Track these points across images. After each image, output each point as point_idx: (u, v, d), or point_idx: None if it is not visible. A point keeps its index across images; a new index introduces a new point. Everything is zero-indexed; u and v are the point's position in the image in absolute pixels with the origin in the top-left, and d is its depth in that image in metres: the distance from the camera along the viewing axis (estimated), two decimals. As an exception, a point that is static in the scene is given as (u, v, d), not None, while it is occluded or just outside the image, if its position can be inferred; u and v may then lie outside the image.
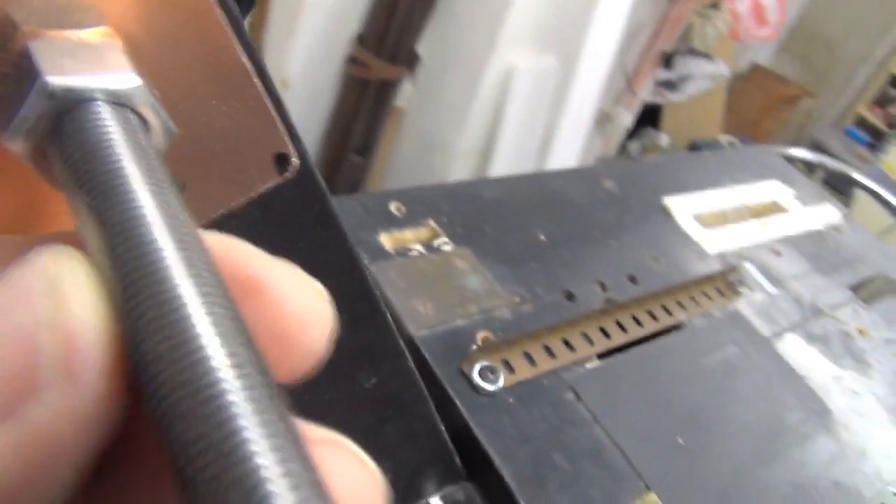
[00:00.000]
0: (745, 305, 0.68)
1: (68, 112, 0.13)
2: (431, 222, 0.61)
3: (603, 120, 2.29)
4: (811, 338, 0.68)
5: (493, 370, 0.52)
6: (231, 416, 0.09)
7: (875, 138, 2.99)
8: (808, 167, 1.81)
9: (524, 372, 0.54)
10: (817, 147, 2.93)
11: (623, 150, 2.58)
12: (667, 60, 2.43)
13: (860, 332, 0.71)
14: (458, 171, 1.75)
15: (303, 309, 0.13)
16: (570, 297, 0.61)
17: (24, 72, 0.13)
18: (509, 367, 0.54)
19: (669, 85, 2.57)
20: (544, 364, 0.55)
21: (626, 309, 0.62)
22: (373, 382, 0.35)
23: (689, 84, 2.60)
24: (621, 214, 0.73)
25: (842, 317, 0.72)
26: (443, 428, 0.43)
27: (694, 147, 2.76)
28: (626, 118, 2.34)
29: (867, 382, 0.65)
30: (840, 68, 3.11)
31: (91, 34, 0.14)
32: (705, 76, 2.60)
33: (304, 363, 0.13)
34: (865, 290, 0.77)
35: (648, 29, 2.20)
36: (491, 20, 1.57)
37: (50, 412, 0.10)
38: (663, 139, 2.54)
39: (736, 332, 0.65)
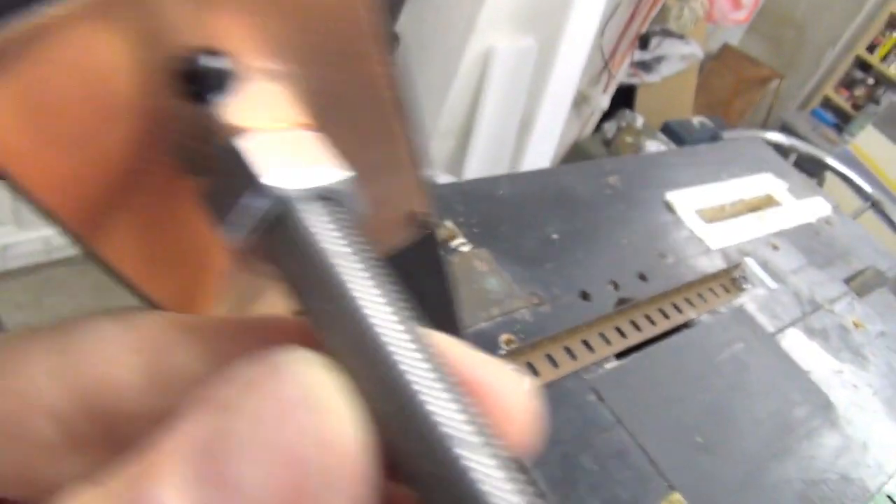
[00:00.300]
0: (748, 301, 0.70)
1: (285, 213, 0.12)
2: (449, 223, 0.61)
3: (580, 101, 2.30)
4: (811, 332, 0.70)
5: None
6: None
7: (841, 119, 3.07)
8: (781, 150, 1.85)
9: (547, 374, 0.54)
10: (785, 128, 2.99)
11: (598, 130, 2.59)
12: (643, 42, 2.44)
13: (856, 325, 0.73)
14: (438, 151, 1.74)
15: (517, 408, 0.13)
16: (585, 296, 0.62)
17: (235, 171, 0.12)
18: (533, 371, 0.54)
19: (644, 66, 2.58)
20: (566, 366, 0.56)
21: (640, 308, 0.63)
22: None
23: (663, 65, 2.63)
24: (627, 210, 0.74)
25: (838, 310, 0.74)
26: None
27: (667, 129, 2.79)
28: (604, 99, 2.35)
29: (865, 376, 0.68)
30: (808, 50, 3.17)
31: (286, 122, 0.13)
32: (679, 57, 2.62)
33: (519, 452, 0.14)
34: (857, 283, 0.79)
35: (626, 10, 2.20)
36: (470, 0, 1.56)
37: None
38: (638, 120, 2.56)
39: (742, 329, 0.66)
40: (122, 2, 0.10)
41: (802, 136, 2.92)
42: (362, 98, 0.14)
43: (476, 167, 1.72)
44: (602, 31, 2.10)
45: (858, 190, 1.82)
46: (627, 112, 2.67)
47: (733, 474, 0.54)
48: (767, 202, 0.86)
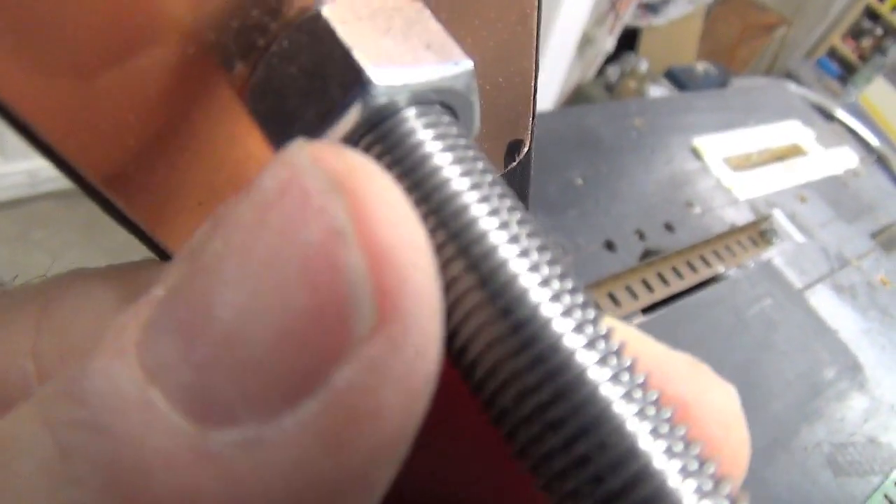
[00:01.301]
0: (776, 255, 0.66)
1: (386, 120, 0.08)
2: (467, 164, 0.56)
3: (584, 43, 2.22)
4: (839, 289, 0.67)
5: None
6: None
7: (845, 71, 3.00)
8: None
9: (573, 329, 0.51)
10: (790, 76, 2.93)
11: (601, 74, 2.52)
12: (651, -19, 2.35)
13: (883, 282, 0.70)
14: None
15: (726, 420, 0.12)
16: (610, 246, 0.58)
17: (322, 54, 0.08)
18: (558, 325, 0.51)
19: (651, 7, 2.50)
20: (592, 320, 0.52)
21: (667, 261, 0.59)
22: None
23: (670, 6, 2.54)
24: (652, 155, 0.69)
25: (866, 267, 0.71)
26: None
27: (670, 74, 2.73)
28: (608, 42, 2.27)
29: (893, 336, 0.65)
30: (817, -4, 3.08)
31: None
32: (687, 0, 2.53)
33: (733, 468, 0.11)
34: (884, 237, 0.76)
35: (636, -53, 2.11)
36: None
37: (373, 376, 0.06)
38: (643, 64, 2.48)
39: (771, 285, 0.63)
40: None
41: (807, 85, 2.85)
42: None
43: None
44: (610, -31, 2.01)
45: (865, 144, 1.78)
46: (631, 56, 2.59)
47: (763, 437, 0.51)
48: (794, 151, 0.81)
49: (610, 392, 0.08)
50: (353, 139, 0.08)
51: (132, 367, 0.06)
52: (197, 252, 0.06)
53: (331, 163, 0.06)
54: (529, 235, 0.08)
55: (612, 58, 2.52)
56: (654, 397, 0.08)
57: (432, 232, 0.08)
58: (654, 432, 0.08)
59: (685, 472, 0.08)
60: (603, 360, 0.08)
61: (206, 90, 0.09)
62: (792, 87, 1.95)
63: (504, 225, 0.08)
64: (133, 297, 0.08)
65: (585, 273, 0.54)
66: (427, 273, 0.07)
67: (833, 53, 3.12)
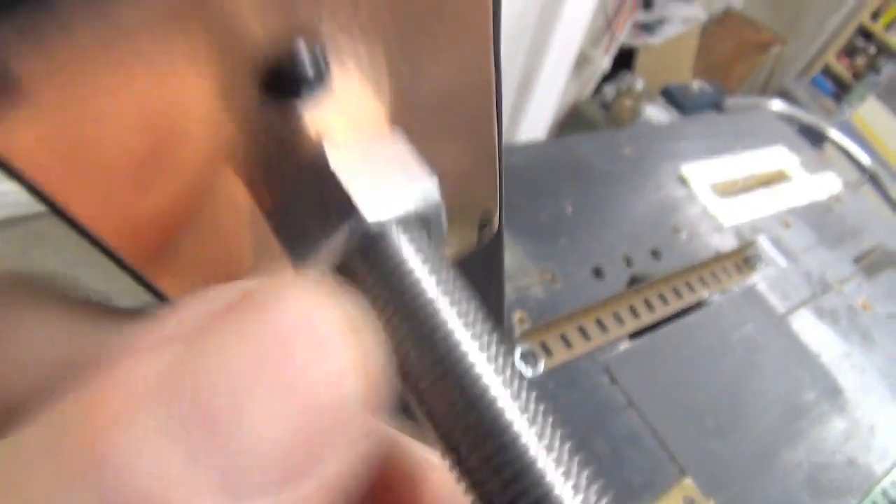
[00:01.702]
0: (760, 280, 0.69)
1: (377, 238, 0.10)
2: (461, 194, 0.58)
3: (580, 62, 2.25)
4: (821, 313, 0.69)
5: (533, 355, 0.51)
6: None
7: (840, 89, 3.04)
8: (783, 120, 1.83)
9: (561, 355, 0.53)
10: (784, 94, 2.96)
11: (598, 93, 2.55)
12: (646, 2, 2.39)
13: (864, 306, 0.72)
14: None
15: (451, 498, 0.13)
16: (598, 273, 0.60)
17: (325, 192, 0.10)
18: (547, 351, 0.53)
19: (647, 27, 2.53)
20: (579, 346, 0.54)
21: (653, 287, 0.61)
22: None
23: (665, 26, 2.57)
24: (641, 182, 0.72)
25: (847, 291, 0.73)
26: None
27: (666, 92, 2.76)
28: (604, 61, 2.30)
29: (873, 359, 0.67)
30: (811, 15, 3.12)
31: (372, 121, 0.11)
32: (682, 19, 2.57)
33: None
34: (866, 262, 0.78)
35: (632, -32, 2.14)
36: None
37: (345, 467, 0.08)
38: (639, 83, 2.52)
39: (754, 310, 0.65)
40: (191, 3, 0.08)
41: (801, 103, 2.89)
42: (457, 87, 0.12)
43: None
44: (606, -10, 2.04)
45: (857, 163, 1.81)
46: (627, 74, 2.62)
47: (744, 458, 0.53)
48: (779, 177, 0.84)
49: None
50: (347, 252, 0.10)
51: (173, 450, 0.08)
52: (210, 357, 0.08)
53: (336, 311, 0.08)
54: (486, 332, 0.11)
55: (609, 76, 2.55)
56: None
57: (403, 334, 0.10)
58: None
59: None
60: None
61: (232, 198, 0.11)
62: (784, 106, 1.98)
63: (467, 325, 0.10)
64: (89, 340, 0.10)
65: (574, 300, 0.56)
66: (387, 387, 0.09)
67: (827, 71, 3.16)
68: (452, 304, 0.11)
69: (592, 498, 0.10)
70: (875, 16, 3.00)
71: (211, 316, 0.08)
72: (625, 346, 0.56)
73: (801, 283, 0.71)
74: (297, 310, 0.08)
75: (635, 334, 0.58)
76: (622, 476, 0.48)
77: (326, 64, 0.09)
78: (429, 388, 0.10)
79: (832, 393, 0.62)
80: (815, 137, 2.06)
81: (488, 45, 0.12)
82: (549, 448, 0.10)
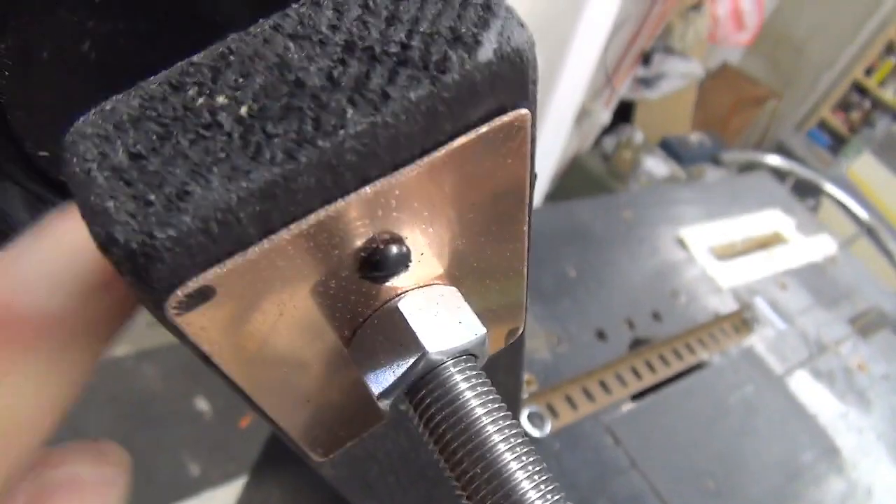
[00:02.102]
0: (758, 342, 0.71)
1: (435, 369, 0.13)
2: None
3: (581, 116, 2.31)
4: (818, 374, 0.71)
5: (540, 416, 0.53)
6: None
7: (836, 141, 3.11)
8: (779, 174, 1.88)
9: (567, 416, 0.55)
10: (781, 148, 3.02)
11: (598, 145, 2.60)
12: (645, 58, 2.46)
13: (860, 367, 0.75)
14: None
15: None
16: (601, 336, 0.63)
17: (397, 332, 0.13)
18: (553, 412, 0.55)
19: (645, 82, 2.60)
20: (584, 408, 0.57)
21: (654, 349, 0.64)
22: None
23: (664, 82, 2.64)
24: (641, 246, 0.75)
25: (844, 352, 0.76)
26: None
27: (665, 144, 2.81)
28: (605, 115, 2.37)
29: (869, 420, 0.69)
30: (806, 71, 3.21)
31: (431, 278, 0.14)
32: (680, 75, 2.64)
33: None
34: (861, 324, 0.81)
35: (630, 27, 2.22)
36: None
37: None
38: (638, 136, 2.57)
39: (752, 371, 0.67)
40: (327, 224, 0.11)
41: (798, 156, 2.95)
42: (499, 251, 0.15)
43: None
44: (606, 47, 2.11)
45: (854, 217, 1.85)
46: (627, 127, 2.68)
47: (744, 520, 0.55)
48: (775, 239, 0.87)
49: None
50: (416, 383, 0.14)
51: None
52: None
53: None
54: (526, 454, 0.14)
55: (609, 129, 2.61)
56: None
57: (463, 452, 0.13)
58: None
59: None
60: None
61: (330, 345, 0.14)
62: (781, 161, 2.02)
63: (510, 449, 0.13)
64: None
65: (579, 363, 0.59)
66: None
67: (823, 125, 3.23)
68: (493, 422, 0.14)
69: None
70: (869, 72, 3.08)
71: None
72: (627, 406, 0.59)
73: (797, 345, 0.74)
74: None
75: (638, 395, 0.60)
76: (626, 537, 0.50)
77: (408, 257, 0.13)
78: (474, 488, 0.13)
79: (829, 453, 0.64)
80: (811, 191, 2.10)
81: (523, 227, 0.15)
82: None
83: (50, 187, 0.19)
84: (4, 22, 0.15)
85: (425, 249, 0.13)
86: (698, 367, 0.65)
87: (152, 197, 0.10)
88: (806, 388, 0.69)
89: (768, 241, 0.86)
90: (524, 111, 0.12)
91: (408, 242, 0.13)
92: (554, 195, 2.23)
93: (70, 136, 0.10)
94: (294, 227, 0.11)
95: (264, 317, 0.12)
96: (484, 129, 0.11)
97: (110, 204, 0.10)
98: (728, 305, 0.73)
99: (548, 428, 0.53)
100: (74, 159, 0.10)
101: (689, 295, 0.72)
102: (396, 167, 0.11)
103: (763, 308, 0.75)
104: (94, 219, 0.10)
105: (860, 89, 3.16)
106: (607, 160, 2.42)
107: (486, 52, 0.10)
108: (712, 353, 0.67)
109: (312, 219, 0.11)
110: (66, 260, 0.12)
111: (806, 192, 2.30)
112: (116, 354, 1.53)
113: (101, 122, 0.10)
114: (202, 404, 1.43)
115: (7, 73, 0.16)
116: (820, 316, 0.79)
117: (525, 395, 0.54)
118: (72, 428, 0.13)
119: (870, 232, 1.92)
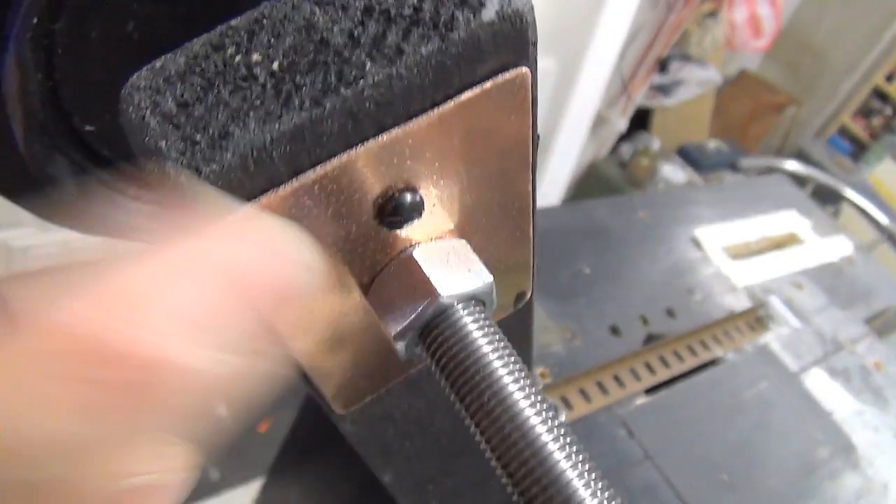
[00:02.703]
0: (773, 340, 0.71)
1: (448, 313, 0.15)
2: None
3: (598, 123, 2.32)
4: (834, 372, 0.71)
5: (555, 408, 0.54)
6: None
7: (857, 148, 3.08)
8: (798, 180, 1.87)
9: (581, 408, 0.56)
10: (801, 154, 3.00)
11: (615, 153, 2.61)
12: (662, 65, 2.46)
13: (877, 366, 0.75)
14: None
15: None
16: (615, 331, 0.64)
17: (411, 278, 0.15)
18: (567, 404, 0.56)
19: (662, 89, 2.60)
20: (598, 400, 0.57)
21: (668, 345, 0.65)
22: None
23: (681, 89, 2.64)
24: (656, 246, 0.76)
25: (860, 350, 0.76)
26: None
27: (682, 152, 2.80)
28: (621, 122, 2.37)
29: (885, 418, 0.69)
30: (826, 77, 3.18)
31: (442, 231, 0.16)
32: (697, 82, 2.64)
33: None
34: (878, 323, 0.81)
35: (647, 34, 2.23)
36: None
37: None
38: (655, 143, 2.57)
39: (767, 368, 0.68)
40: (348, 168, 0.12)
41: (818, 163, 2.92)
42: (505, 208, 0.17)
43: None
44: (623, 55, 2.12)
45: (875, 223, 1.83)
46: (644, 134, 2.68)
47: (758, 513, 0.55)
48: (791, 240, 0.87)
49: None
50: (427, 324, 0.15)
51: None
52: None
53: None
54: (531, 385, 0.15)
55: (625, 136, 2.61)
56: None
57: (475, 386, 0.14)
58: None
59: None
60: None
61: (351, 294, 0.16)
62: (799, 167, 2.01)
63: (516, 382, 0.14)
64: None
65: (592, 357, 0.60)
66: None
67: (844, 132, 3.20)
68: (499, 358, 0.15)
69: None
70: (890, 78, 3.05)
71: None
72: (641, 400, 0.59)
73: (813, 343, 0.74)
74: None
75: (651, 389, 0.61)
76: (640, 527, 0.51)
77: (422, 205, 0.14)
78: (485, 421, 0.14)
79: (845, 450, 0.64)
80: (831, 197, 2.09)
81: (528, 185, 0.16)
82: (588, 485, 0.14)
83: (94, 159, 0.21)
84: (62, 4, 0.16)
85: (437, 201, 0.15)
86: (712, 363, 0.66)
87: (198, 137, 0.11)
88: (821, 385, 0.69)
89: (784, 242, 0.87)
90: (524, 69, 0.13)
91: (421, 192, 0.14)
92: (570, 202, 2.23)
93: (126, 89, 0.12)
94: (319, 169, 0.12)
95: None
96: (488, 84, 0.13)
97: (162, 144, 0.11)
98: (743, 304, 0.73)
99: (562, 419, 0.54)
100: (130, 108, 0.12)
101: (703, 293, 0.72)
102: (410, 117, 0.12)
103: (778, 307, 0.75)
104: (149, 157, 0.11)
105: (881, 95, 3.13)
106: (624, 167, 2.42)
107: (489, 13, 0.12)
108: (727, 350, 0.67)
109: (336, 161, 0.12)
110: None
111: (826, 198, 2.28)
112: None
113: (153, 77, 0.12)
114: (221, 408, 1.45)
115: (61, 51, 0.17)
116: (836, 315, 0.79)
117: (540, 385, 0.55)
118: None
119: (891, 238, 1.90)
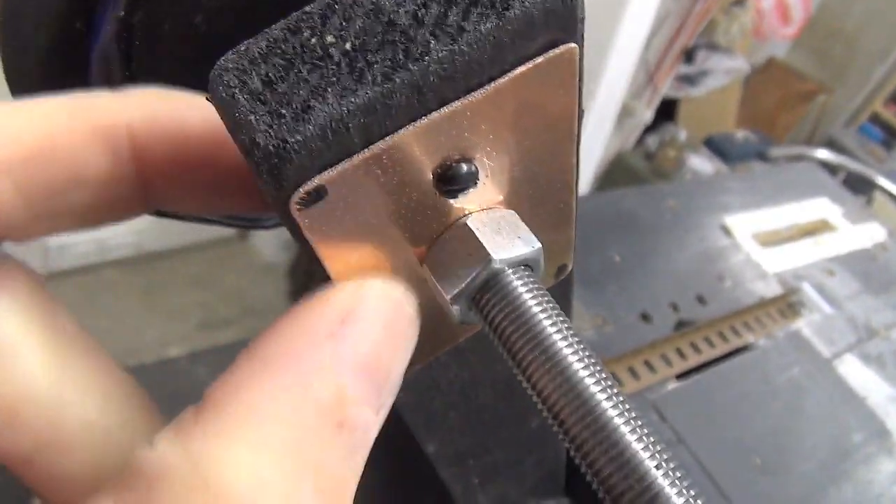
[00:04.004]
0: (805, 326, 0.71)
1: (500, 277, 0.16)
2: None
3: (623, 114, 2.31)
4: (867, 359, 0.71)
5: (601, 364, 0.55)
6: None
7: (890, 136, 3.02)
8: (829, 169, 1.84)
9: (612, 393, 0.57)
10: (832, 143, 2.95)
11: (641, 144, 2.59)
12: (688, 55, 2.44)
13: (911, 352, 0.74)
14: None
15: None
16: (646, 318, 0.64)
17: (466, 244, 0.16)
18: (599, 389, 0.57)
19: (689, 79, 2.58)
20: (630, 385, 0.58)
21: (699, 331, 0.65)
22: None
23: (708, 78, 2.61)
24: (685, 234, 0.76)
25: (894, 336, 0.75)
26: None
27: (710, 142, 2.77)
28: (647, 113, 2.35)
29: (921, 403, 0.69)
30: (857, 65, 3.12)
31: (494, 202, 0.17)
32: (724, 71, 2.61)
33: None
34: (913, 310, 0.80)
35: (672, 24, 2.21)
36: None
37: None
38: (681, 134, 2.55)
39: (799, 354, 0.68)
40: (413, 139, 0.14)
41: (850, 152, 2.87)
42: (551, 181, 0.18)
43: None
44: (648, 45, 2.10)
45: (909, 210, 1.80)
46: (670, 125, 2.66)
47: (791, 496, 0.56)
48: (823, 227, 0.87)
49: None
50: (481, 287, 0.16)
51: None
52: None
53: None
54: (584, 351, 0.16)
55: (651, 127, 2.59)
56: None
57: (527, 352, 0.15)
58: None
59: None
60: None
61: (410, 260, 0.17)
62: (830, 155, 1.98)
63: (570, 346, 0.16)
64: None
65: (623, 343, 0.61)
66: None
67: (876, 119, 3.14)
68: (548, 317, 0.16)
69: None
70: (923, 63, 2.99)
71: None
72: (673, 385, 0.60)
73: (846, 329, 0.74)
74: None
75: (682, 375, 0.61)
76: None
77: (477, 175, 0.15)
78: (540, 381, 0.16)
79: (880, 435, 0.63)
80: (863, 185, 2.06)
81: (572, 159, 0.17)
82: (640, 440, 0.15)
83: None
84: (139, -3, 0.18)
85: (489, 172, 0.16)
86: (744, 349, 0.66)
87: (284, 111, 0.12)
88: (855, 371, 0.69)
89: (815, 229, 0.86)
90: (573, 45, 0.14)
91: (475, 163, 0.15)
92: (597, 194, 2.23)
93: (215, 70, 0.13)
94: (389, 139, 0.13)
95: (363, 221, 0.14)
96: (540, 59, 0.14)
97: (251, 118, 0.12)
98: (774, 290, 0.73)
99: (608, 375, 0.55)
100: (220, 87, 0.13)
101: (733, 280, 0.72)
102: (469, 91, 0.13)
103: (810, 293, 0.75)
104: (239, 130, 0.13)
105: (915, 82, 3.06)
106: (650, 159, 2.40)
107: (541, -8, 0.13)
108: (758, 337, 0.68)
109: (403, 132, 0.13)
110: None
111: (858, 187, 2.24)
112: (170, 355, 1.60)
113: (238, 59, 0.13)
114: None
115: (137, 43, 0.19)
116: (869, 301, 0.78)
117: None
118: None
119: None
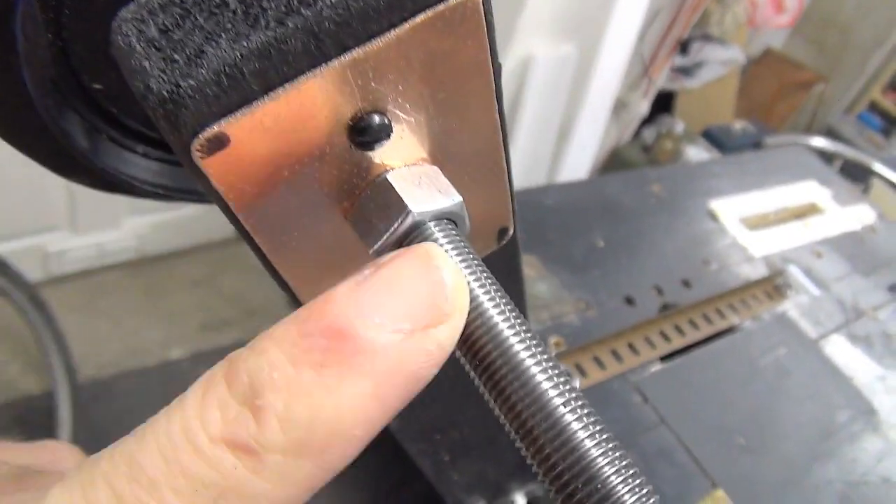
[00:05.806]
0: (791, 307, 0.71)
1: (421, 229, 0.16)
2: (499, 231, 0.64)
3: (619, 107, 2.30)
4: (855, 339, 0.71)
5: (569, 374, 0.55)
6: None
7: (888, 123, 3.00)
8: (826, 157, 1.83)
9: (595, 375, 0.57)
10: (830, 132, 2.94)
11: (638, 136, 2.58)
12: (682, 47, 2.43)
13: (900, 332, 0.74)
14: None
15: None
16: (629, 301, 0.64)
17: (388, 200, 0.16)
18: (581, 371, 0.57)
19: (684, 71, 2.57)
20: (612, 368, 0.58)
21: (683, 313, 0.65)
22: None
23: (703, 70, 2.61)
24: (671, 219, 0.76)
25: (882, 317, 0.75)
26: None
27: (708, 134, 2.76)
28: (643, 106, 2.35)
29: (909, 382, 0.68)
30: (853, 53, 3.11)
31: (415, 159, 0.17)
32: (720, 62, 2.60)
33: None
34: (902, 291, 0.80)
35: (666, 16, 2.20)
36: (509, 8, 1.58)
37: (445, 338, 0.14)
38: (678, 126, 2.54)
39: (785, 335, 0.68)
40: (315, 86, 0.14)
41: (848, 140, 2.86)
42: (475, 138, 0.18)
43: (513, 175, 1.76)
44: (642, 37, 2.10)
45: (906, 196, 1.79)
46: (667, 117, 2.65)
47: (775, 474, 0.56)
48: (811, 210, 0.87)
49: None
50: (402, 240, 0.16)
51: None
52: None
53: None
54: (507, 305, 0.16)
55: (648, 120, 2.59)
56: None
57: None
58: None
59: None
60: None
61: (333, 214, 0.17)
62: (826, 143, 1.98)
63: (490, 298, 0.16)
64: None
65: (607, 326, 0.61)
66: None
67: (874, 107, 3.13)
68: (472, 272, 0.16)
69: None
70: (921, 50, 2.97)
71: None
72: (656, 367, 0.60)
73: (833, 310, 0.73)
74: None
75: (666, 357, 0.61)
76: (655, 487, 0.51)
77: (390, 127, 0.15)
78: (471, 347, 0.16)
79: (865, 413, 0.63)
80: (861, 173, 2.05)
81: (494, 114, 0.17)
82: (561, 395, 0.15)
83: (103, 118, 0.22)
84: (66, -36, 0.18)
85: (406, 126, 0.16)
86: (729, 331, 0.66)
87: (177, 56, 0.13)
88: (841, 351, 0.69)
89: (803, 212, 0.86)
90: (474, -6, 0.14)
91: (389, 115, 0.15)
92: (593, 186, 2.22)
93: (115, 21, 0.13)
94: (289, 86, 0.13)
95: (274, 173, 0.15)
96: (440, 7, 0.14)
97: (146, 64, 0.13)
98: (760, 273, 0.73)
99: (576, 385, 0.55)
100: (119, 37, 0.13)
101: (719, 263, 0.72)
102: (369, 38, 0.14)
103: (797, 275, 0.75)
104: (135, 76, 0.13)
105: (912, 69, 3.05)
106: (647, 151, 2.40)
107: (434, -62, 0.13)
108: (743, 319, 0.68)
109: (303, 79, 0.13)
110: None
111: (855, 175, 2.23)
112: (172, 357, 1.60)
113: (138, 10, 0.13)
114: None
115: (68, 11, 0.19)
116: (857, 283, 0.78)
117: (553, 353, 0.56)
118: (129, 428, 0.16)
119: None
